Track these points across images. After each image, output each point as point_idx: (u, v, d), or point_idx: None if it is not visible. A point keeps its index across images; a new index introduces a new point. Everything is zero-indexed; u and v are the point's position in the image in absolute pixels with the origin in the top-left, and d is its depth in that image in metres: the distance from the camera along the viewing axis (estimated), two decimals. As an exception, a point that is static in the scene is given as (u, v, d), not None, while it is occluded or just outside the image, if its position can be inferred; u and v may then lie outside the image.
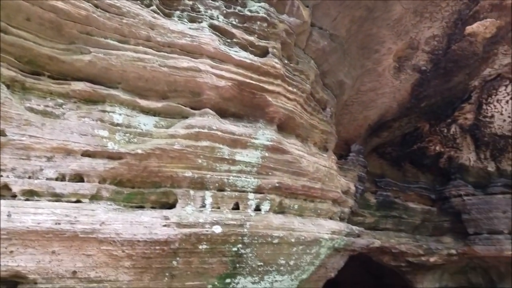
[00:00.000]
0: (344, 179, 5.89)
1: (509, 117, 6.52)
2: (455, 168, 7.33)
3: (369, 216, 7.29)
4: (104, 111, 3.50)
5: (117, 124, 3.53)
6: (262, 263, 4.46)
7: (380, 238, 7.14)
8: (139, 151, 3.53)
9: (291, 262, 4.71)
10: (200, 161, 3.80)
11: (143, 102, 3.73)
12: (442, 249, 7.44)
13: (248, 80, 3.93)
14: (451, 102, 6.62)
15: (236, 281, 4.40)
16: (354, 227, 5.75)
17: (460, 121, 6.94)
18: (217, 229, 3.97)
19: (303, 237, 4.63)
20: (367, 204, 7.26)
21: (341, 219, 5.76)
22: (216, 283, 4.30)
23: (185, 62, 3.70)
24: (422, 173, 7.78)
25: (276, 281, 4.72)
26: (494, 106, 6.55)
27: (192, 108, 3.88)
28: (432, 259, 7.45)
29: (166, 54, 3.67)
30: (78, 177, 3.34)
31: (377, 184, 7.55)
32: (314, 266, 5.09)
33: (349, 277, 11.44)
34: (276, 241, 4.41)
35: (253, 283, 4.55)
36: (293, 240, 4.55)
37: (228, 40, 3.97)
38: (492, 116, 6.68)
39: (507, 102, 6.44)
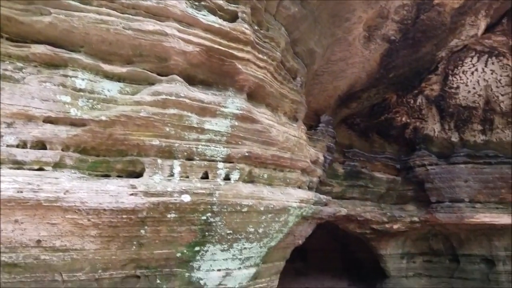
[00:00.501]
0: (313, 149, 6.05)
1: (473, 88, 6.84)
2: (420, 139, 7.67)
3: (336, 185, 7.55)
4: (66, 76, 3.41)
5: (80, 90, 3.45)
6: (231, 231, 4.58)
7: (347, 207, 7.44)
8: (103, 118, 3.48)
9: (260, 230, 4.86)
10: (167, 129, 3.79)
11: (107, 67, 3.64)
12: (405, 217, 7.87)
13: (216, 46, 3.89)
14: (419, 73, 6.84)
15: (205, 248, 4.52)
16: (321, 196, 5.96)
17: (427, 92, 7.21)
18: (186, 198, 4.03)
19: (272, 206, 4.77)
20: (335, 174, 7.51)
21: (310, 188, 5.95)
22: (185, 251, 4.40)
23: (150, 25, 3.61)
24: (389, 144, 8.09)
25: (245, 248, 4.88)
26: (460, 77, 6.83)
27: (158, 74, 3.82)
28: (395, 226, 7.87)
29: (130, 16, 3.57)
30: (40, 144, 3.28)
31: (345, 155, 7.79)
32: (282, 233, 5.28)
33: (317, 245, 11.92)
34: (245, 209, 4.53)
35: (222, 250, 4.68)
36: (262, 208, 4.68)
37: (196, 3, 3.89)
38: (458, 87, 6.98)
39: (472, 73, 6.72)
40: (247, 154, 4.39)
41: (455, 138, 7.39)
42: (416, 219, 7.87)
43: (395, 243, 8.75)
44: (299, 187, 5.53)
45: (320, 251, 12.03)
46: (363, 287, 10.18)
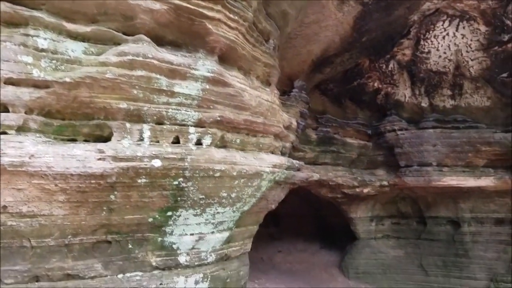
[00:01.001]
0: (286, 114, 6.11)
1: (444, 53, 6.99)
2: (391, 104, 7.86)
3: (309, 151, 7.70)
4: (27, 35, 3.29)
5: (42, 50, 3.34)
6: (203, 196, 4.65)
7: (319, 172, 7.63)
8: (67, 80, 3.40)
9: (233, 195, 4.95)
10: (135, 92, 3.74)
11: (70, 26, 3.52)
12: (375, 181, 8.16)
13: (185, 4, 3.79)
14: (391, 37, 6.92)
15: (177, 213, 4.58)
16: (294, 161, 6.08)
17: (398, 57, 7.34)
18: (157, 163, 4.04)
19: (244, 171, 4.84)
20: (308, 140, 7.64)
21: (283, 154, 6.05)
22: (157, 216, 4.45)
23: (115, -19, 3.49)
24: (361, 110, 8.26)
25: (218, 213, 4.97)
26: (431, 41, 6.95)
27: (124, 34, 3.73)
28: (365, 190, 8.16)
29: (94, -29, 3.43)
30: (2, 107, 3.19)
31: (318, 121, 7.91)
32: (255, 198, 5.39)
33: (290, 210, 12.24)
34: (217, 174, 4.58)
35: (194, 215, 4.76)
36: (235, 173, 4.74)
37: (164, -41, 3.76)
38: (429, 52, 7.13)
39: (443, 37, 6.85)
40: (219, 118, 4.40)
41: (425, 103, 7.61)
42: (385, 183, 8.17)
43: (365, 207, 9.10)
44: (272, 152, 5.61)
45: (293, 216, 12.38)
46: (334, 249, 10.62)
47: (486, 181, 7.31)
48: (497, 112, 7.26)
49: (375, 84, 7.66)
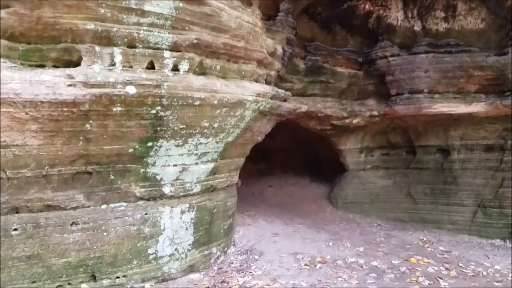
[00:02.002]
0: (270, 40, 5.93)
1: (438, -29, 6.71)
2: (383, 29, 7.64)
3: (297, 82, 7.60)
4: None
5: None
6: (184, 126, 4.63)
7: (307, 103, 7.59)
8: (27, -3, 3.22)
9: (215, 125, 4.94)
10: (102, 11, 3.58)
11: None
12: (365, 111, 8.15)
13: None
14: (383, -48, 6.59)
15: (158, 144, 4.59)
16: (280, 90, 6.01)
17: (391, -25, 7.04)
18: (131, 90, 3.97)
19: (226, 99, 4.79)
20: (296, 70, 7.50)
21: (268, 83, 5.97)
22: (137, 146, 4.46)
23: None
24: (351, 36, 8.04)
25: (200, 143, 4.99)
26: (426, -44, 6.64)
27: None
28: (355, 121, 8.18)
29: None
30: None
31: (306, 49, 7.72)
32: (239, 129, 5.39)
33: (280, 145, 12.41)
34: (197, 103, 4.53)
35: (176, 146, 4.78)
36: (216, 102, 4.70)
37: None
38: (423, -31, 6.85)
39: (438, -47, 6.54)
40: (195, 41, 4.26)
41: (417, 27, 7.41)
42: (375, 113, 8.18)
43: (354, 139, 9.19)
44: (256, 81, 5.53)
45: (283, 152, 12.56)
46: (324, 182, 10.89)
47: (477, 107, 7.34)
48: (490, 34, 7.10)
49: (366, 7, 7.38)
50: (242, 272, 5.39)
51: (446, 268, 5.51)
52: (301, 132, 10.46)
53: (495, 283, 4.96)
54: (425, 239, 7.40)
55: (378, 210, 9.13)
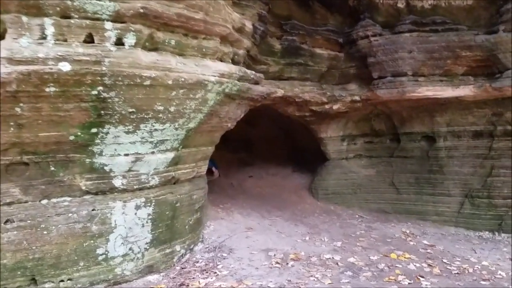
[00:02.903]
0: (238, 14, 5.42)
1: None
2: (365, 6, 7.15)
3: (273, 64, 7.11)
4: None
5: None
6: (134, 110, 4.15)
7: (284, 87, 7.12)
8: None
9: (172, 109, 4.46)
10: (24, -28, 3.04)
11: None
12: (346, 96, 7.70)
13: None
14: None
15: (104, 130, 4.11)
16: (249, 72, 5.53)
17: None
18: (65, 67, 3.48)
19: (183, 79, 4.30)
20: (271, 51, 7.01)
21: (235, 63, 5.48)
22: (79, 133, 3.98)
23: None
24: (331, 14, 7.54)
25: (155, 130, 4.51)
26: None
27: None
28: (335, 107, 7.74)
29: None
30: None
31: (282, 28, 7.21)
32: (202, 113, 4.91)
33: (261, 134, 11.98)
34: (148, 83, 4.05)
35: (126, 132, 4.30)
36: (170, 82, 4.21)
37: None
38: None
39: None
40: (141, 10, 3.74)
41: (401, 3, 6.93)
42: (357, 98, 7.74)
43: (336, 126, 8.76)
44: (221, 60, 5.04)
45: (265, 140, 12.13)
46: (306, 172, 10.48)
47: (465, 91, 6.92)
48: (480, 11, 6.67)
49: (346, -18, 6.90)
50: (207, 272, 4.95)
51: (429, 265, 5.13)
52: (283, 120, 10.02)
53: (482, 282, 4.59)
54: (408, 231, 7.05)
55: (360, 201, 8.76)
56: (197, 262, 5.35)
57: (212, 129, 5.66)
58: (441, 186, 7.97)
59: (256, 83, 5.95)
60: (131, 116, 4.17)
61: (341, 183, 8.91)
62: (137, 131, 4.35)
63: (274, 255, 5.46)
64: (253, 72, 5.68)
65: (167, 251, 5.15)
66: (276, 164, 11.66)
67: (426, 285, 4.43)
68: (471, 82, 6.92)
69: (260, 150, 12.18)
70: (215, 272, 4.89)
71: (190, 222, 5.64)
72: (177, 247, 5.35)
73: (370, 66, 7.39)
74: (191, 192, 5.60)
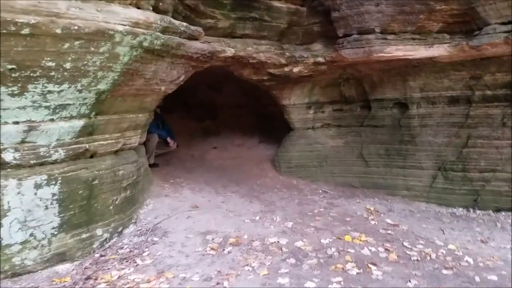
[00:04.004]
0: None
1: None
2: (327, -50, 6.28)
3: (222, 18, 6.24)
4: None
5: None
6: (14, 66, 3.34)
7: (235, 46, 6.29)
8: None
9: (67, 65, 3.65)
10: None
11: None
12: (308, 57, 6.90)
13: None
14: None
15: (-24, 92, 3.28)
16: (178, 23, 4.69)
17: None
18: None
19: (76, 28, 3.49)
20: (219, 2, 6.13)
21: (162, 11, 4.61)
22: None
23: None
24: (290, -40, 6.65)
25: (49, 92, 3.72)
26: None
27: None
28: (296, 70, 6.95)
29: None
30: None
31: (233, -25, 6.30)
32: (114, 72, 4.12)
33: (227, 101, 11.22)
34: (27, 31, 3.24)
35: (11, 95, 3.51)
36: (59, 31, 3.40)
37: None
38: None
39: None
40: None
41: None
42: (320, 59, 6.95)
43: (300, 92, 8.00)
44: (137, 6, 4.17)
45: (230, 108, 11.40)
46: (273, 142, 9.80)
47: (440, 50, 6.17)
48: (458, -45, 5.83)
49: None
50: (127, 261, 4.30)
51: (386, 249, 4.53)
52: (250, 85, 9.21)
53: (444, 271, 3.98)
54: (372, 208, 6.44)
55: (326, 175, 8.12)
56: (122, 248, 4.69)
57: (138, 92, 4.88)
58: (412, 158, 7.34)
59: (193, 38, 5.13)
60: (13, 74, 3.38)
61: (305, 155, 8.23)
62: (25, 93, 3.56)
63: (213, 239, 4.81)
64: (186, 24, 4.85)
65: (84, 236, 4.46)
66: (242, 134, 10.98)
67: (377, 275, 3.82)
68: (447, 40, 6.15)
69: (227, 118, 11.47)
70: (136, 262, 4.22)
71: (116, 202, 4.94)
72: (98, 231, 4.67)
73: (335, 22, 6.58)
74: (115, 167, 4.87)
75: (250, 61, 6.57)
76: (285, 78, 7.27)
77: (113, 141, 4.86)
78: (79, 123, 4.15)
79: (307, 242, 4.67)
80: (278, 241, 4.68)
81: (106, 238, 4.78)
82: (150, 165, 8.15)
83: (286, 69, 6.93)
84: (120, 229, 5.05)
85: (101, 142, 4.63)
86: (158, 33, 4.29)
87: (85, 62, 3.73)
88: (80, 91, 3.92)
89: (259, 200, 6.76)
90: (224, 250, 4.46)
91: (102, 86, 4.10)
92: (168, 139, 8.53)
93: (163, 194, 6.50)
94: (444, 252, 4.57)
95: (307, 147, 8.25)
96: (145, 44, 4.18)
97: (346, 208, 6.37)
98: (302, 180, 8.02)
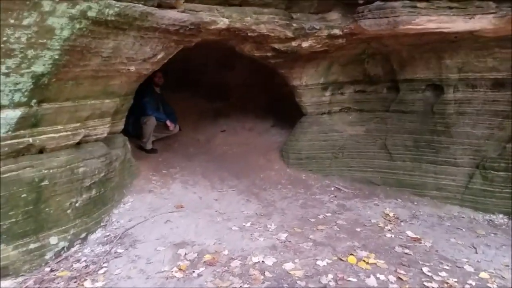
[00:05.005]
0: None
1: None
2: None
3: (215, -19, 5.38)
4: None
5: None
6: None
7: (230, 16, 5.43)
8: None
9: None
10: None
11: None
12: (321, 29, 5.95)
13: None
14: None
15: None
16: (143, -14, 3.89)
17: None
18: None
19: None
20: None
21: (122, -26, 3.82)
22: None
23: None
24: None
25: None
26: None
27: None
28: (305, 44, 6.02)
29: None
30: None
31: None
32: (52, 51, 3.45)
33: (240, 80, 10.43)
34: None
35: None
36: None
37: None
38: None
39: None
40: None
41: None
42: (337, 31, 5.99)
43: (314, 70, 7.07)
44: (82, -34, 3.39)
45: (243, 87, 10.56)
46: (287, 127, 8.96)
47: (483, 22, 5.10)
48: None
49: None
50: (75, 281, 3.68)
51: (399, 278, 3.72)
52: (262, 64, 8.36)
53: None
54: (391, 214, 5.58)
55: (341, 168, 7.24)
56: (79, 261, 4.11)
57: (97, 74, 4.17)
58: (446, 152, 6.36)
59: (167, 6, 4.33)
60: None
61: (318, 145, 7.36)
62: None
63: (185, 254, 4.13)
64: (154, -11, 4.05)
65: (32, 246, 3.91)
66: (255, 116, 10.17)
67: (379, 323, 3.02)
68: (492, 9, 5.07)
69: (238, 99, 10.66)
70: (82, 286, 3.58)
71: (77, 205, 4.35)
72: (52, 240, 4.12)
73: (353, -15, 5.60)
74: (73, 163, 4.25)
75: (249, 34, 5.71)
76: (294, 55, 6.37)
77: (69, 133, 4.20)
78: (14, 114, 3.49)
79: (299, 263, 3.90)
80: (263, 261, 3.94)
81: (63, 247, 4.22)
82: (148, 151, 7.58)
83: (293, 43, 6.02)
84: (83, 235, 4.47)
85: (51, 135, 3.98)
86: (108, 0, 3.52)
87: (4, 39, 3.02)
88: (7, 75, 3.23)
89: (258, 198, 6.02)
90: (193, 272, 3.76)
91: (38, 68, 3.40)
92: (168, 122, 7.86)
93: (147, 189, 5.85)
94: (474, 284, 3.70)
95: (320, 136, 7.37)
96: (91, 14, 3.42)
97: (359, 213, 5.53)
98: (312, 174, 7.18)
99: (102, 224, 4.80)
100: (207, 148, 8.82)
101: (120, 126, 5.53)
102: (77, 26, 3.39)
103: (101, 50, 3.87)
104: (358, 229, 4.89)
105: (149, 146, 7.66)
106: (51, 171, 3.97)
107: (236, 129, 9.89)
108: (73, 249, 4.29)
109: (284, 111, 9.50)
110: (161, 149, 8.01)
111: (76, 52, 3.60)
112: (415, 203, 6.24)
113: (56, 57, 3.44)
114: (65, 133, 4.13)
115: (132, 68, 4.53)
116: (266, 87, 10.29)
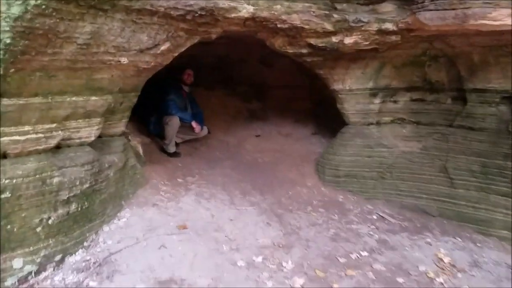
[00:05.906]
0: None
1: None
2: None
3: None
4: None
5: None
6: None
7: (255, 3, 4.62)
8: None
9: None
10: None
11: None
12: (369, 22, 4.99)
13: None
14: None
15: None
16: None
17: None
18: None
19: None
20: None
21: None
22: None
23: None
24: None
25: None
26: None
27: None
28: (349, 40, 5.08)
29: None
30: None
31: None
32: (6, 34, 2.73)
33: (279, 80, 9.72)
34: None
35: None
36: None
37: None
38: None
39: None
40: None
41: None
42: (389, 26, 5.02)
43: (360, 72, 6.10)
44: None
45: (283, 88, 9.77)
46: (329, 135, 8.07)
47: None
48: None
49: None
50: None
51: None
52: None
53: None
54: (447, 260, 4.53)
55: (389, 192, 6.26)
56: (42, 293, 3.46)
57: (75, 65, 3.52)
58: (522, 182, 5.22)
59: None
60: None
61: (361, 161, 6.39)
62: None
63: (168, 299, 3.38)
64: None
65: (-18, 272, 3.30)
66: (294, 121, 9.40)
67: None
68: None
69: (277, 100, 9.88)
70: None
71: (49, 222, 3.76)
72: (16, 263, 3.52)
73: (412, -30, 4.61)
74: (45, 172, 3.64)
75: (279, 25, 4.86)
76: (335, 53, 5.46)
77: (41, 135, 3.58)
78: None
79: (310, 329, 3.04)
80: (262, 320, 3.11)
81: (30, 272, 3.61)
82: (170, 154, 7.01)
83: (333, 39, 5.11)
84: (58, 257, 3.85)
85: (14, 138, 3.37)
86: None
87: None
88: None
89: (281, 222, 5.19)
90: (169, 326, 3.01)
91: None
92: (193, 124, 7.21)
93: (152, 202, 5.19)
94: None
95: (364, 150, 6.40)
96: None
97: (404, 255, 4.54)
98: (351, 196, 6.22)
99: (85, 244, 4.18)
100: (235, 154, 8.09)
101: (120, 127, 4.90)
102: (32, 2, 2.72)
103: (74, 35, 3.20)
104: (400, 280, 3.93)
105: (171, 149, 7.08)
106: (14, 181, 3.38)
107: (271, 133, 9.14)
108: (44, 274, 3.70)
109: (329, 117, 8.59)
110: (185, 153, 7.40)
111: (37, 36, 2.94)
112: (478, 244, 5.14)
113: (8, 41, 2.79)
114: (34, 136, 3.51)
115: (124, 60, 3.84)
116: (310, 88, 9.45)
